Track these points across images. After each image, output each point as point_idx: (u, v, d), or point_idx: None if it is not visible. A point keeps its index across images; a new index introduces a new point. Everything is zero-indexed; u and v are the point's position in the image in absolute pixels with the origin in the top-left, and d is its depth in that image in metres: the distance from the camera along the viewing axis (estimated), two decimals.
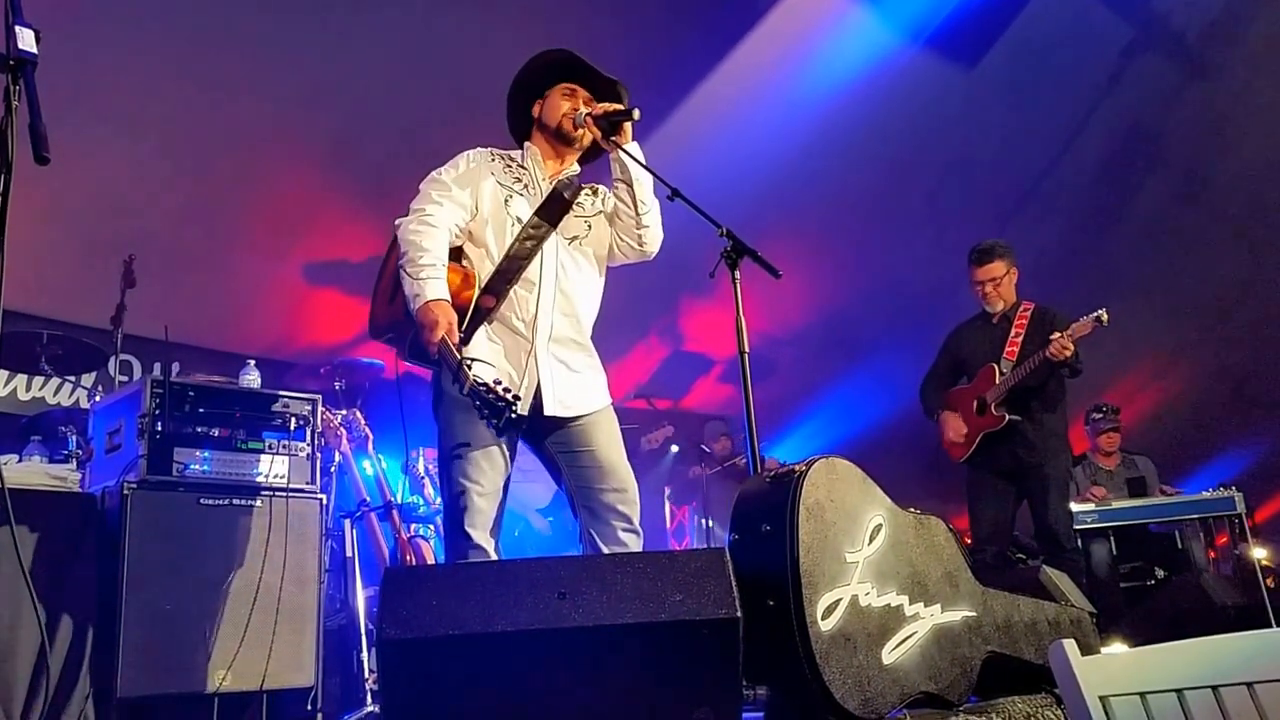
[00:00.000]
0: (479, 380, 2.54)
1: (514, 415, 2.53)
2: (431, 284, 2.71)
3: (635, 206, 2.98)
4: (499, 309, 2.85)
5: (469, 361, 2.60)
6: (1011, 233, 7.48)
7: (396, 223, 2.87)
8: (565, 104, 3.02)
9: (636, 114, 2.93)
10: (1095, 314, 4.47)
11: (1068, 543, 4.67)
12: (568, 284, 2.93)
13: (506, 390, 2.55)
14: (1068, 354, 4.47)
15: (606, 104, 2.98)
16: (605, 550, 2.78)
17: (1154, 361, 8.53)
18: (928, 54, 6.55)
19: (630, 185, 2.96)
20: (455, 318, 2.71)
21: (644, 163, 2.98)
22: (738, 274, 2.94)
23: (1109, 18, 6.77)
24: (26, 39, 1.96)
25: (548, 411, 2.81)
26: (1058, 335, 4.48)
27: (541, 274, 2.88)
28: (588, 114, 2.96)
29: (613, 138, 2.94)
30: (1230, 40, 6.89)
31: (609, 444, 2.89)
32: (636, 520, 2.87)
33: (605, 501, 2.84)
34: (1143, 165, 7.51)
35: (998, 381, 4.71)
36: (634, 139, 2.99)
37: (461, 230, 2.91)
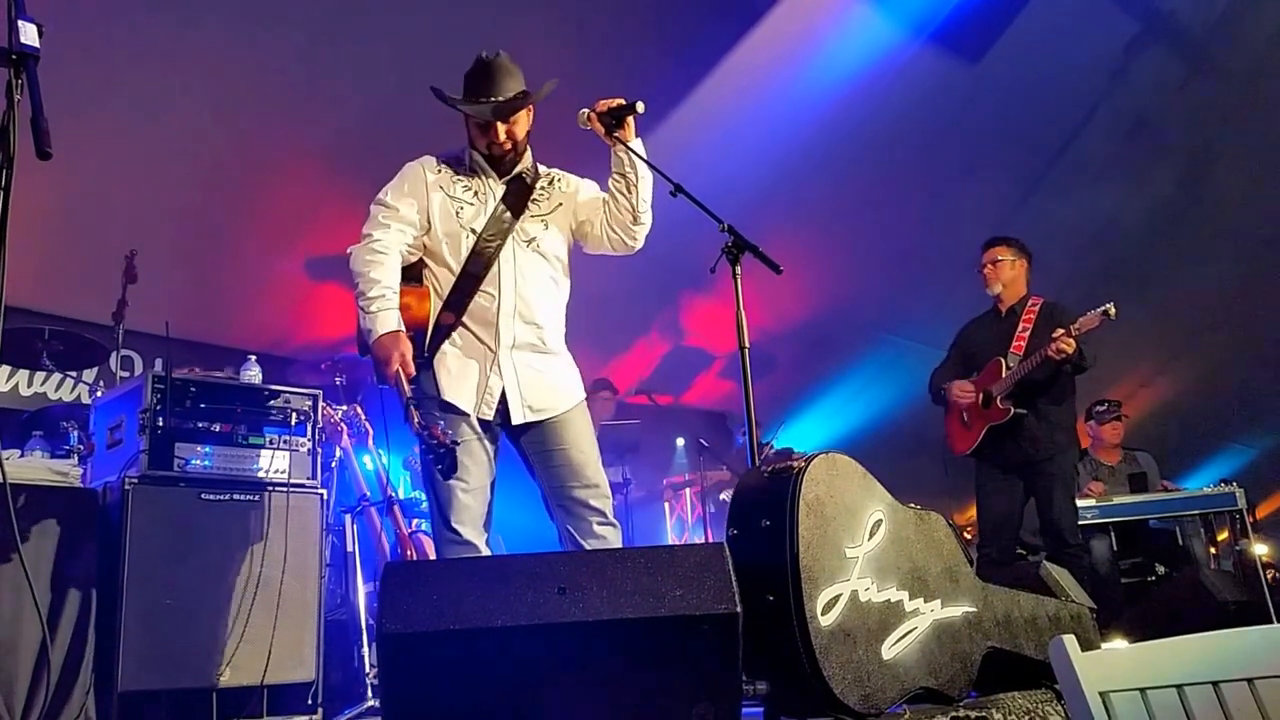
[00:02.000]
0: (423, 425, 2.61)
1: (454, 463, 2.60)
2: (382, 317, 2.75)
3: (635, 203, 2.96)
4: (461, 321, 2.87)
5: (414, 402, 2.67)
6: (1013, 229, 7.48)
7: (348, 251, 2.89)
8: (481, 137, 2.95)
9: (641, 107, 2.91)
10: (1103, 308, 4.44)
11: (1072, 538, 4.66)
12: (527, 289, 2.92)
13: (447, 435, 2.60)
14: (1069, 351, 4.45)
15: (609, 99, 2.96)
16: (586, 546, 2.79)
17: (1156, 358, 8.53)
18: (931, 49, 6.53)
19: (632, 181, 2.95)
20: (409, 349, 2.74)
21: (647, 159, 2.96)
22: (739, 269, 2.94)
23: (1113, 13, 6.75)
24: (29, 34, 1.96)
25: (515, 420, 2.85)
26: (1060, 333, 4.46)
27: (500, 282, 2.89)
28: (591, 109, 2.95)
29: (616, 133, 2.92)
30: (1235, 36, 6.88)
31: (579, 441, 2.90)
32: (610, 514, 2.89)
33: (578, 498, 2.86)
34: (1146, 161, 7.50)
35: (1004, 375, 4.71)
36: (637, 134, 2.97)
37: (414, 246, 2.92)
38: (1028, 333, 4.73)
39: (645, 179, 2.98)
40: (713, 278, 3.06)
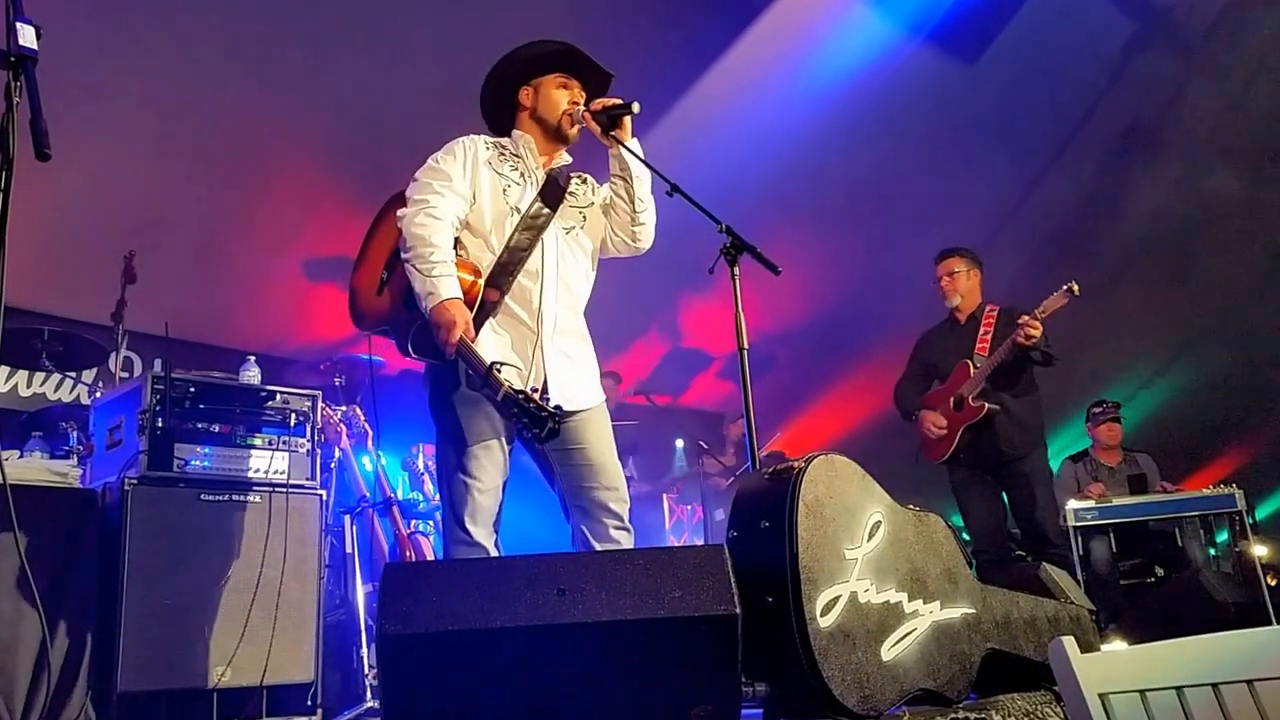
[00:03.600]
0: (514, 388, 2.50)
1: (556, 426, 2.47)
2: (445, 281, 2.66)
3: (633, 203, 2.96)
4: (503, 301, 2.83)
5: (498, 366, 2.55)
6: (1011, 230, 7.48)
7: (399, 214, 2.81)
8: (563, 99, 2.99)
9: (636, 107, 2.91)
10: (1065, 286, 4.53)
11: (1056, 538, 4.69)
12: (568, 274, 2.92)
13: (545, 399, 2.52)
14: (1036, 334, 4.50)
15: (605, 99, 2.96)
16: (598, 548, 2.78)
17: (1155, 358, 8.52)
18: (928, 49, 6.54)
19: (629, 181, 2.95)
20: (470, 317, 2.67)
21: (644, 158, 2.96)
22: (737, 270, 2.94)
23: (1110, 13, 6.77)
24: (27, 35, 1.96)
25: (553, 404, 2.79)
26: (1025, 318, 4.52)
27: (544, 264, 2.86)
28: (586, 109, 2.95)
29: (612, 133, 2.92)
30: (1231, 36, 6.88)
31: (600, 441, 2.89)
32: (627, 518, 2.87)
33: (597, 499, 2.84)
34: (1143, 161, 7.50)
35: (972, 375, 4.76)
36: (633, 134, 2.97)
37: (460, 220, 2.87)
38: (990, 336, 4.83)
39: (642, 178, 2.97)
40: (711, 279, 3.06)
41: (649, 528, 7.18)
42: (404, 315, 2.76)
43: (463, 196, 2.85)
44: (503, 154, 2.98)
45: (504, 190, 2.90)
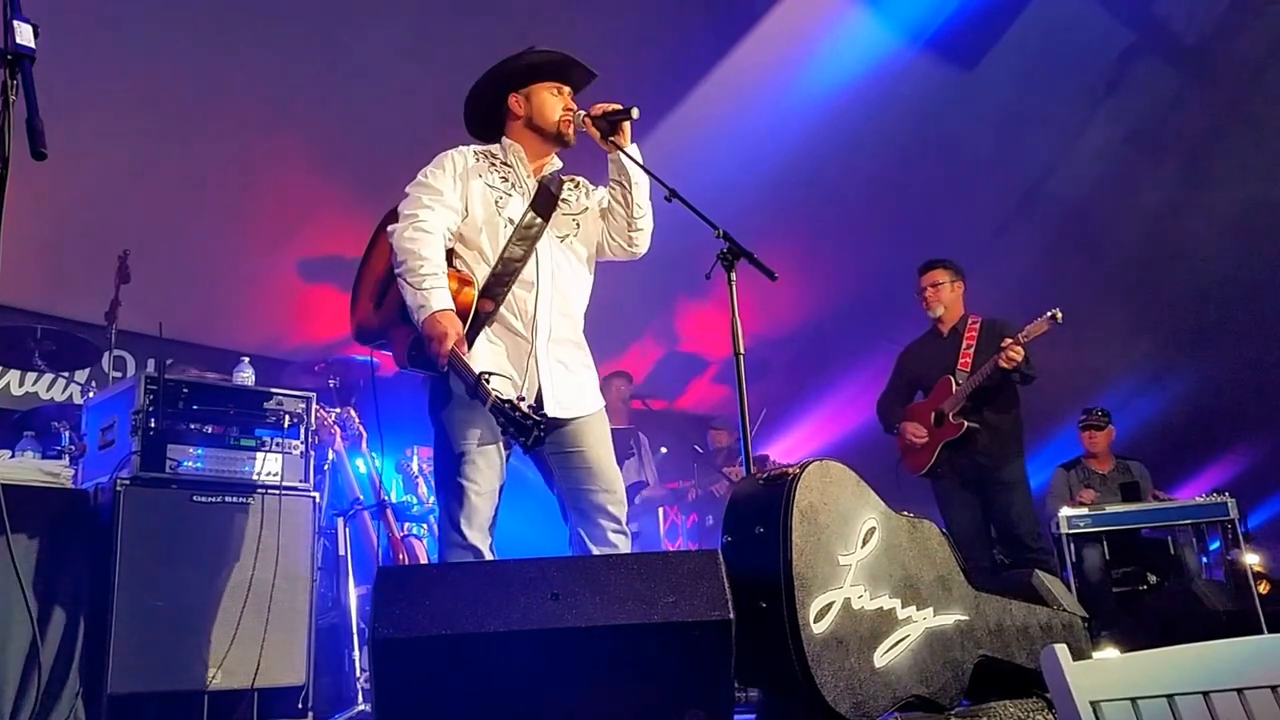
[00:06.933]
0: (501, 397, 2.51)
1: (541, 434, 2.49)
2: (436, 294, 2.67)
3: (631, 209, 2.96)
4: (498, 311, 2.84)
5: (486, 375, 2.57)
6: (1009, 236, 7.48)
7: (389, 229, 2.82)
8: (557, 104, 2.99)
9: (635, 113, 2.91)
10: (1049, 314, 4.57)
11: (1034, 542, 4.71)
12: (563, 283, 2.93)
13: (532, 408, 2.53)
14: (1018, 359, 4.55)
15: (606, 104, 2.97)
16: (595, 551, 2.78)
17: (1149, 366, 8.54)
18: (927, 56, 6.55)
19: (627, 187, 2.95)
20: (462, 328, 2.68)
21: (642, 164, 2.97)
22: (734, 275, 2.95)
23: (1108, 22, 6.77)
24: (24, 34, 1.96)
25: (548, 414, 2.79)
26: (1008, 341, 4.55)
27: (538, 274, 2.87)
28: (586, 114, 2.95)
29: (611, 138, 2.93)
30: (1230, 45, 6.90)
31: (599, 445, 2.89)
32: (624, 521, 2.88)
33: (595, 502, 2.84)
34: (1141, 168, 7.52)
35: (954, 391, 4.78)
36: (632, 139, 2.98)
37: (452, 233, 2.88)
38: (972, 349, 4.84)
39: (640, 184, 2.98)
40: (708, 283, 3.07)
41: (645, 532, 7.17)
42: (400, 329, 2.77)
43: (453, 209, 2.87)
44: (493, 164, 2.98)
45: (496, 201, 2.90)
